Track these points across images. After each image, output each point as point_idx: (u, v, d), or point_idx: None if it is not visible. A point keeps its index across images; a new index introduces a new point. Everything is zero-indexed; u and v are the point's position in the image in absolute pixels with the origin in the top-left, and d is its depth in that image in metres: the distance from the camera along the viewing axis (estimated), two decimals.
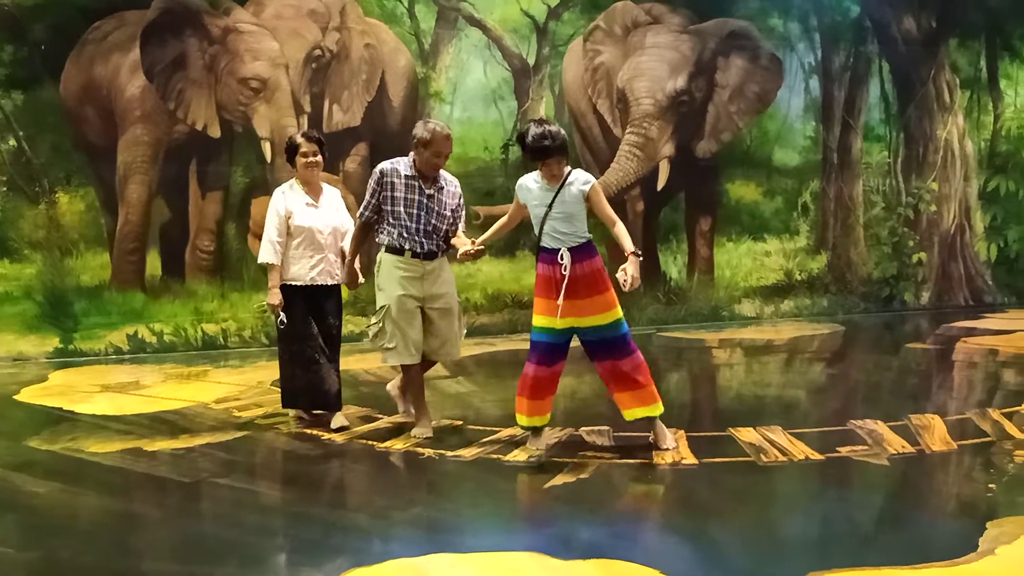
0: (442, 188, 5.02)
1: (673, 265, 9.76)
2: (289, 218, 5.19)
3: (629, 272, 4.49)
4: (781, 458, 4.51)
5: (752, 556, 3.46)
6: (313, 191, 5.31)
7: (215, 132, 8.50)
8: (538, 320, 4.59)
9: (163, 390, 6.74)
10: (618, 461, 4.56)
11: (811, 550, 3.52)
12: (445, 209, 5.01)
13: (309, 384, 5.26)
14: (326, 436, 5.16)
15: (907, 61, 10.33)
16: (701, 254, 9.72)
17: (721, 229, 9.84)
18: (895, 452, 4.57)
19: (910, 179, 10.41)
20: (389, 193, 4.93)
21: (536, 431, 4.74)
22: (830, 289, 10.16)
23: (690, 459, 4.54)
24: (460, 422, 5.40)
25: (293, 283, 5.21)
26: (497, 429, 5.16)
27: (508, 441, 4.92)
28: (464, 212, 5.19)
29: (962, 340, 8.17)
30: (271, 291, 5.19)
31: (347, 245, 5.30)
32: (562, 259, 4.47)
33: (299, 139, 5.28)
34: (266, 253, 5.19)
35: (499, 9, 9.28)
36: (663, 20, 9.43)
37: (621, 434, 5.01)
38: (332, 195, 5.42)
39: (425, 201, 4.93)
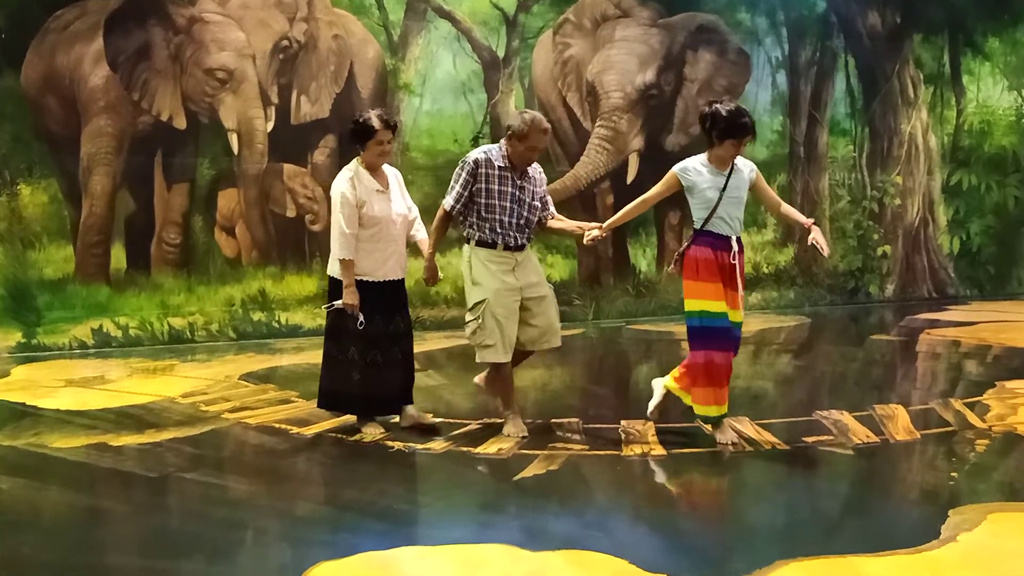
0: (532, 178, 4.84)
1: (643, 258, 9.81)
2: (362, 207, 4.75)
3: (820, 240, 4.49)
4: (748, 448, 4.55)
5: (720, 545, 3.50)
6: (380, 177, 4.86)
7: (181, 123, 8.39)
8: (710, 305, 4.44)
9: (129, 384, 6.65)
10: (588, 453, 4.58)
11: (778, 539, 3.56)
12: (535, 200, 4.84)
13: (369, 390, 4.88)
14: (294, 430, 5.12)
15: (872, 56, 10.44)
16: (670, 247, 9.76)
17: (690, 222, 9.86)
18: (860, 442, 4.64)
19: (875, 173, 10.53)
20: (483, 185, 4.70)
21: (720, 422, 4.61)
22: (797, 282, 10.26)
23: (659, 450, 4.58)
24: (430, 415, 5.38)
25: (364, 279, 4.79)
26: (467, 422, 5.16)
27: (478, 434, 4.91)
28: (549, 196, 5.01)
29: (925, 332, 8.30)
30: (347, 289, 4.73)
31: (419, 236, 4.97)
32: (732, 247, 4.45)
33: (376, 122, 4.74)
34: (342, 247, 4.72)
35: (468, 1, 9.23)
36: (632, 14, 9.45)
37: (591, 426, 5.04)
38: (396, 179, 4.99)
39: (518, 194, 4.75)
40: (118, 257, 8.38)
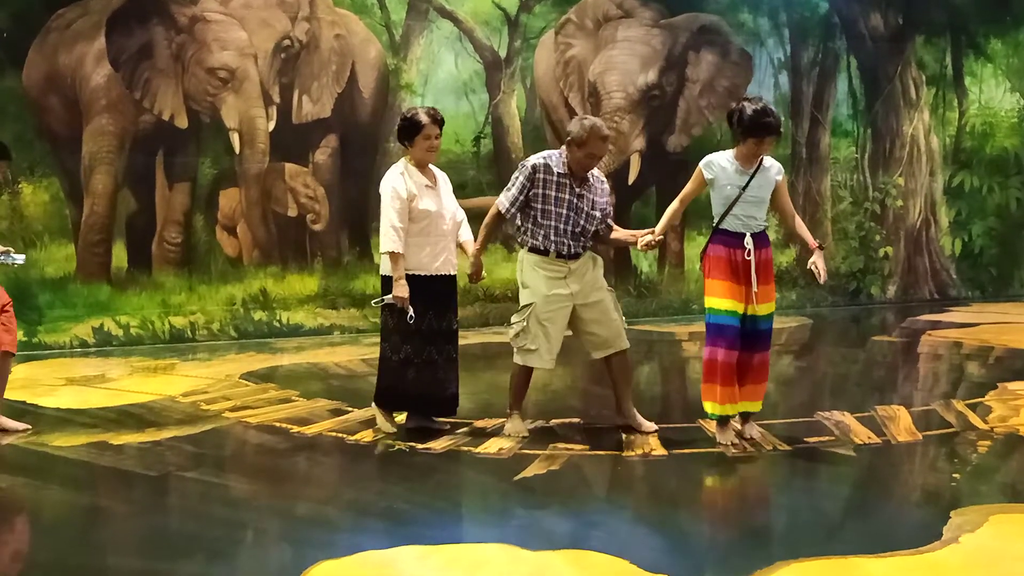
0: (592, 186, 4.74)
1: (644, 259, 9.80)
2: (412, 201, 4.72)
3: (820, 265, 4.53)
4: (749, 449, 4.54)
5: (721, 546, 3.49)
6: (428, 174, 4.86)
7: (182, 122, 8.39)
8: (722, 303, 4.43)
9: (129, 383, 6.65)
10: (588, 453, 4.57)
11: (779, 540, 3.56)
12: (595, 209, 4.73)
13: (424, 389, 4.84)
14: (295, 429, 5.12)
15: (874, 58, 10.44)
16: (672, 248, 9.76)
17: (691, 223, 9.86)
18: (861, 443, 4.63)
19: (877, 174, 10.52)
20: (540, 191, 4.65)
21: (724, 422, 4.57)
22: (798, 283, 10.25)
23: (660, 450, 4.57)
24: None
25: (415, 274, 4.75)
26: (468, 422, 5.14)
27: (479, 433, 4.91)
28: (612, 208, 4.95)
29: (927, 333, 8.29)
30: (398, 283, 4.68)
31: (463, 237, 4.95)
32: (747, 244, 4.41)
33: (424, 118, 4.75)
34: (391, 241, 4.67)
35: (470, 1, 9.23)
36: (634, 14, 9.45)
37: (592, 426, 5.03)
38: (444, 178, 4.98)
39: (576, 201, 4.66)
40: (119, 256, 8.38)
